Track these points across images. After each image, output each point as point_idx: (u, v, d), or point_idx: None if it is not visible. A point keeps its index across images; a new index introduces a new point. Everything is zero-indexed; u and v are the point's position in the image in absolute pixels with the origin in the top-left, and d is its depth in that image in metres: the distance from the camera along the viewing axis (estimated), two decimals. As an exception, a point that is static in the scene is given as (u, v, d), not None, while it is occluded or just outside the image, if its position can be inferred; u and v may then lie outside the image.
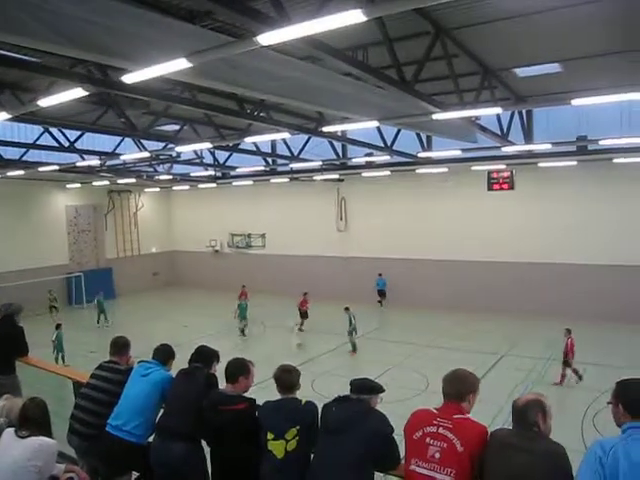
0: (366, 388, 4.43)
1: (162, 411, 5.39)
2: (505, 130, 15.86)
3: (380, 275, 27.13)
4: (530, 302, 23.77)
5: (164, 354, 5.74)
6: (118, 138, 18.63)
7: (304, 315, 22.81)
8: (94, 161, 19.57)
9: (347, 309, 19.91)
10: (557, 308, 22.83)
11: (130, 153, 18.38)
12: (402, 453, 4.15)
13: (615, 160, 20.33)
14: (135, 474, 5.65)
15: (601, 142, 16.40)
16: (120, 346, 6.00)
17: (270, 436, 4.46)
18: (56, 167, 19.84)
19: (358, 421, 4.16)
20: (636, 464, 3.10)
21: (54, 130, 16.58)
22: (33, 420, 4.38)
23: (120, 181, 27.68)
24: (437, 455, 3.71)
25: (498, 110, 12.02)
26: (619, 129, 16.55)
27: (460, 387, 4.01)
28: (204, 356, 5.51)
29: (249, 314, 22.98)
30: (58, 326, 19.00)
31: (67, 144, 17.12)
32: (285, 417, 4.49)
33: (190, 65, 6.38)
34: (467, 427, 3.79)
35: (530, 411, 3.68)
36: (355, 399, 4.34)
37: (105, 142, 19.69)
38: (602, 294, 22.36)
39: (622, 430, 3.35)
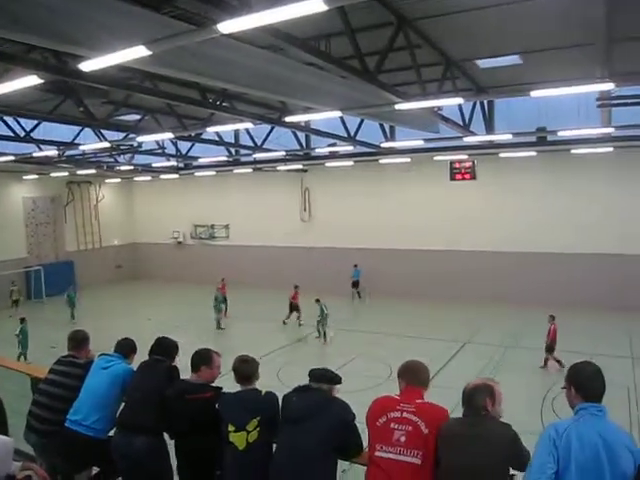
0: (326, 378, 4.45)
1: (123, 405, 5.30)
2: (467, 121, 16.02)
3: (355, 266, 27.06)
4: (493, 290, 24.22)
5: (126, 347, 5.64)
6: (77, 128, 18.16)
7: (296, 308, 22.45)
8: (52, 151, 19.10)
9: (318, 301, 20.02)
10: (520, 296, 23.35)
11: (89, 143, 17.98)
12: (364, 441, 4.19)
13: (573, 151, 20.78)
14: (96, 469, 5.55)
15: (560, 133, 16.73)
16: (79, 340, 5.85)
17: (231, 428, 4.44)
18: (12, 157, 19.29)
19: (320, 410, 4.18)
20: (587, 444, 3.24)
21: (9, 119, 16.07)
22: None
23: (79, 172, 27.10)
24: (402, 439, 3.77)
25: (460, 101, 12.14)
26: (577, 121, 16.89)
27: (419, 374, 4.11)
28: (164, 348, 5.44)
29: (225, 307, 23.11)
30: (22, 320, 18.50)
31: (23, 134, 16.62)
32: (245, 408, 4.47)
33: (149, 53, 6.25)
34: (430, 410, 3.88)
35: (478, 395, 3.80)
36: (316, 388, 4.36)
37: (63, 132, 19.14)
38: (562, 282, 22.96)
39: (574, 412, 3.49)
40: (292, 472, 4.07)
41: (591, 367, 3.61)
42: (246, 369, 4.68)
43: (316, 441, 4.07)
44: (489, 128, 17.14)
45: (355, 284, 27.25)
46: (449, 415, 3.91)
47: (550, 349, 15.89)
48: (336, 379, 4.52)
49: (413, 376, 4.09)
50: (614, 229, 22.27)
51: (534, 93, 10.20)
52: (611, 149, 20.02)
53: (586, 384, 3.50)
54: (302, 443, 4.09)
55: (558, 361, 15.63)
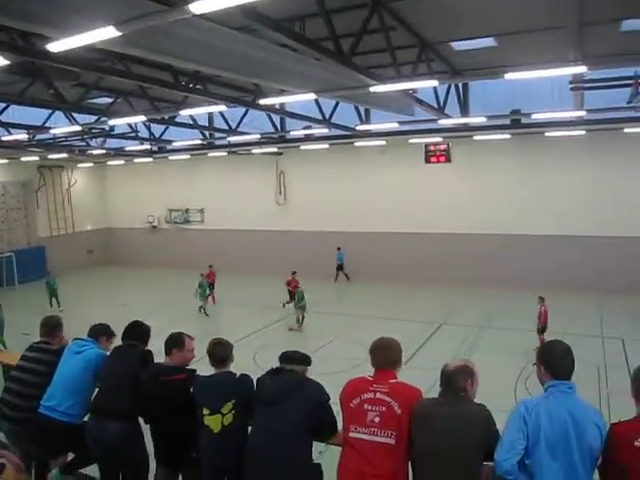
0: (298, 359, 4.48)
1: (97, 390, 5.26)
2: (442, 103, 16.06)
3: (339, 249, 27.03)
4: (470, 272, 24.49)
5: (100, 332, 5.60)
6: (47, 111, 17.79)
7: (293, 296, 21.40)
8: (22, 135, 18.68)
9: (297, 287, 20.09)
10: (496, 278, 23.66)
11: (60, 127, 17.62)
12: (339, 423, 4.22)
13: (547, 134, 20.98)
14: (71, 455, 5.52)
15: (533, 116, 16.86)
16: (52, 326, 5.77)
17: (206, 411, 4.46)
18: (-21, 142, 18.86)
19: (294, 391, 4.21)
20: (556, 420, 3.36)
21: (-24, 102, 15.69)
22: None
23: (51, 156, 26.55)
24: (376, 419, 3.82)
25: (435, 83, 12.16)
26: (550, 104, 17.05)
27: (392, 354, 4.13)
28: (137, 332, 5.41)
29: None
30: None
31: (-9, 117, 16.26)
32: (220, 391, 4.49)
33: (119, 34, 6.12)
34: (403, 390, 3.93)
35: (459, 376, 3.85)
36: (289, 370, 4.38)
37: (33, 115, 18.74)
38: (537, 264, 23.35)
39: (544, 389, 3.60)
40: (267, 454, 4.08)
41: (560, 346, 3.70)
42: (220, 352, 4.69)
43: (291, 423, 4.10)
44: (464, 111, 17.22)
45: (340, 267, 27.22)
46: (422, 395, 3.96)
47: (542, 330, 15.91)
48: (307, 360, 4.56)
49: (384, 357, 4.11)
50: (588, 212, 22.58)
51: (508, 75, 10.24)
52: (583, 132, 20.27)
53: (555, 362, 3.59)
54: (277, 425, 4.11)
55: (541, 341, 15.64)
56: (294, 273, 21.77)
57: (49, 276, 24.25)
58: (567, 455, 3.29)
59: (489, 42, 11.94)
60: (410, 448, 3.84)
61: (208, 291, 22.57)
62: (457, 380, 3.84)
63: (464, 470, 3.57)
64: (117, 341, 5.63)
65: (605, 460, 3.41)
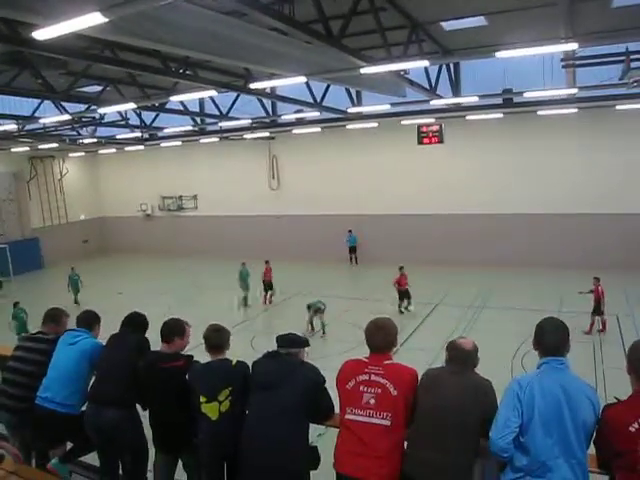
0: (294, 342, 4.50)
1: (94, 378, 5.26)
2: (433, 84, 15.99)
3: (350, 232, 26.87)
4: (464, 253, 24.60)
5: (89, 320, 5.56)
6: (36, 101, 17.63)
7: (269, 286, 20.94)
8: (11, 125, 18.53)
9: (309, 307, 17.39)
10: (490, 258, 23.78)
11: (50, 116, 17.47)
12: (335, 405, 4.24)
13: (539, 112, 20.94)
14: (70, 444, 5.54)
15: (525, 94, 16.82)
16: (52, 317, 5.74)
17: (203, 399, 4.46)
18: (-31, 133, 18.71)
19: (290, 374, 4.23)
20: (548, 394, 3.37)
21: (-37, 93, 15.50)
22: None
23: (41, 146, 26.37)
24: (372, 401, 3.84)
25: (425, 63, 12.09)
26: (542, 82, 17.01)
27: (387, 336, 4.13)
28: (136, 322, 5.40)
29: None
30: (15, 304, 17.38)
31: (-21, 108, 16.11)
32: (217, 378, 4.49)
33: (106, 20, 6.03)
34: (398, 371, 3.95)
35: (475, 355, 3.93)
36: (284, 353, 4.40)
37: (22, 105, 18.59)
38: (530, 242, 23.49)
39: (537, 366, 3.62)
40: (264, 437, 4.10)
41: (552, 322, 3.72)
42: (217, 338, 4.69)
43: (287, 405, 4.12)
44: (456, 91, 17.14)
45: (352, 249, 27.02)
46: (417, 375, 3.98)
47: (598, 312, 15.51)
48: (303, 341, 4.59)
49: (379, 338, 4.11)
50: (581, 190, 22.65)
51: (499, 54, 10.20)
52: (576, 110, 20.24)
53: (545, 339, 3.61)
54: (273, 408, 4.13)
55: (603, 324, 15.57)
56: (267, 262, 21.14)
57: (72, 271, 23.22)
58: (561, 430, 3.30)
59: (479, 21, 11.87)
60: (406, 429, 3.86)
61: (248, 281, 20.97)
62: (474, 359, 3.93)
63: (463, 434, 3.62)
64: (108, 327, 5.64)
65: (598, 442, 3.43)
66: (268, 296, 20.87)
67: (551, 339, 3.60)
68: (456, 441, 3.62)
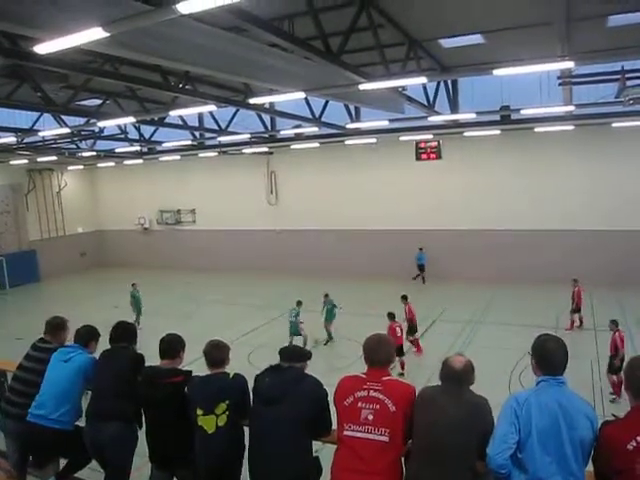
0: (297, 355, 4.50)
1: (90, 395, 5.25)
2: (431, 100, 16.10)
3: (421, 250, 25.59)
4: (460, 269, 24.60)
5: (85, 336, 5.54)
6: (36, 114, 17.70)
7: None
8: (10, 138, 18.57)
9: (327, 296, 17.99)
10: (487, 274, 23.78)
11: (49, 129, 17.52)
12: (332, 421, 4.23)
13: (537, 129, 21.07)
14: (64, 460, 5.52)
15: (523, 111, 16.94)
16: (54, 326, 5.74)
17: (199, 412, 4.45)
18: (-32, 146, 18.74)
19: (294, 388, 4.21)
20: (545, 411, 3.37)
21: (-37, 106, 15.54)
22: None
23: (40, 159, 26.41)
24: (370, 417, 3.82)
25: (424, 80, 12.17)
26: (539, 99, 17.14)
27: (386, 352, 4.14)
28: (125, 333, 5.42)
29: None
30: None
31: (-21, 121, 16.15)
32: (214, 391, 4.48)
33: (107, 35, 6.09)
34: (396, 387, 3.94)
35: (471, 374, 3.89)
36: (287, 367, 4.38)
37: (22, 118, 18.66)
38: (528, 258, 23.47)
39: (536, 383, 3.61)
40: (269, 450, 4.11)
41: (552, 342, 3.67)
42: (218, 354, 4.68)
43: (291, 419, 4.11)
44: (453, 107, 17.27)
45: (421, 268, 25.69)
46: (415, 391, 3.96)
47: (576, 310, 17.18)
48: (306, 354, 4.60)
49: (379, 354, 4.10)
50: (577, 206, 22.73)
51: (497, 71, 10.29)
52: (572, 127, 20.38)
53: (546, 359, 3.60)
54: (277, 421, 4.12)
55: (580, 320, 17.25)
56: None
57: (134, 288, 20.85)
58: (559, 447, 3.29)
59: (477, 39, 11.99)
60: (404, 445, 3.85)
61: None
62: (470, 377, 3.89)
63: (460, 453, 3.59)
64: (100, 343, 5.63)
65: (596, 459, 3.41)
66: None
67: (554, 359, 3.58)
68: (453, 460, 3.59)
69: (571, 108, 16.87)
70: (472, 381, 3.89)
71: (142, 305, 20.41)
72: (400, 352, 14.09)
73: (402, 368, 13.94)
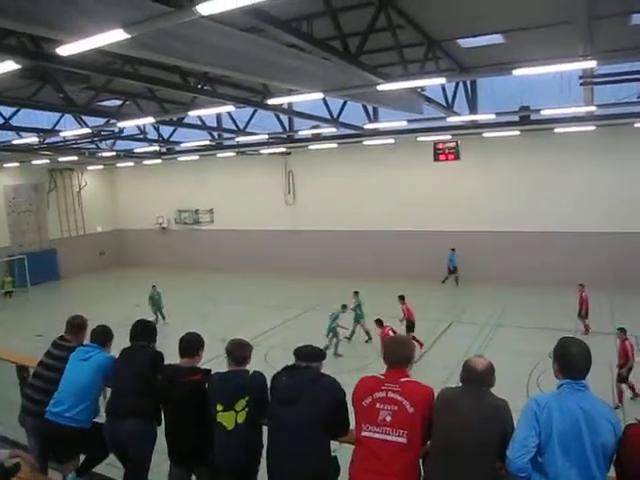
0: (313, 355, 4.50)
1: (110, 393, 5.32)
2: (450, 101, 16.02)
3: (453, 250, 25.15)
4: (478, 270, 24.39)
5: (102, 336, 5.61)
6: (57, 114, 17.92)
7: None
8: (32, 139, 18.82)
9: (357, 293, 18.10)
10: (504, 275, 23.58)
11: (70, 129, 17.73)
12: (351, 421, 4.23)
13: (556, 130, 20.85)
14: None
15: (543, 112, 16.78)
16: (75, 326, 5.82)
17: (219, 407, 4.47)
18: (-9, 145, 19.02)
19: (311, 388, 4.21)
20: (567, 415, 3.31)
21: (-13, 106, 15.82)
22: None
23: (61, 159, 26.71)
24: (388, 418, 3.81)
25: (442, 80, 12.12)
26: (559, 99, 16.96)
27: (405, 352, 4.12)
28: (145, 331, 5.48)
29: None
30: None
31: (2, 121, 16.38)
32: (234, 388, 4.51)
33: (128, 36, 6.16)
34: (415, 389, 3.91)
35: (492, 375, 3.87)
36: (304, 367, 4.39)
37: (44, 118, 18.88)
38: (547, 261, 23.22)
39: (557, 386, 3.54)
40: (288, 450, 4.12)
41: (576, 346, 3.59)
42: (240, 352, 4.72)
43: (309, 419, 4.11)
44: (472, 108, 17.15)
45: (453, 269, 25.16)
46: (434, 393, 3.95)
47: (583, 315, 16.96)
48: (322, 354, 4.61)
49: (399, 355, 4.09)
50: (598, 208, 22.44)
51: (517, 72, 10.20)
52: (593, 128, 20.15)
53: (570, 363, 3.52)
54: (296, 422, 4.12)
55: (587, 327, 16.75)
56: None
57: (154, 289, 21.59)
58: (580, 452, 3.24)
59: (497, 38, 11.88)
60: (422, 447, 3.83)
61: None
62: (491, 379, 3.87)
63: (480, 455, 3.56)
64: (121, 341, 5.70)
65: (619, 462, 3.35)
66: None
67: (577, 363, 3.51)
68: (472, 462, 3.56)
69: (593, 108, 16.67)
70: (492, 383, 3.87)
71: (162, 305, 20.91)
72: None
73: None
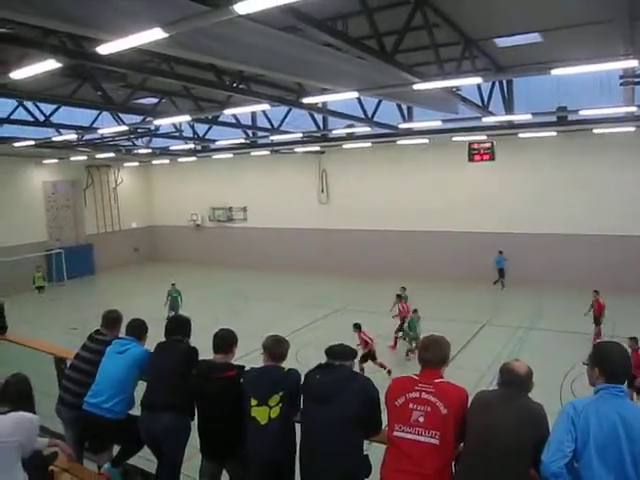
0: (346, 354, 4.51)
1: (145, 387, 5.41)
2: (486, 101, 15.84)
3: (500, 253, 24.45)
4: (512, 272, 24.04)
5: (138, 329, 5.74)
6: (95, 112, 18.26)
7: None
8: (71, 135, 19.20)
9: (415, 311, 16.86)
10: (538, 277, 23.21)
11: (108, 127, 18.05)
12: (384, 420, 4.22)
13: (595, 130, 20.41)
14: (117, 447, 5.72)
15: (581, 112, 16.46)
16: (110, 320, 5.96)
17: (254, 402, 4.52)
18: (32, 142, 19.43)
19: (345, 386, 4.23)
20: (604, 421, 3.24)
21: (28, 104, 16.15)
22: (13, 395, 4.33)
23: (98, 156, 27.27)
24: (421, 419, 3.80)
25: (478, 80, 11.98)
26: (599, 99, 16.61)
27: (440, 352, 4.10)
28: (180, 327, 5.56)
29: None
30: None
31: (42, 118, 16.74)
32: (269, 383, 4.55)
33: (166, 35, 6.24)
34: (449, 390, 3.89)
35: (531, 380, 3.83)
36: (338, 365, 4.40)
37: (82, 116, 19.23)
38: (583, 262, 22.73)
39: (595, 391, 3.47)
40: (321, 449, 4.13)
41: (617, 349, 3.55)
42: (279, 349, 4.78)
43: (343, 417, 4.12)
44: (508, 108, 16.92)
45: (501, 272, 24.37)
46: (468, 395, 3.92)
47: (598, 321, 16.51)
48: (354, 353, 4.63)
49: (434, 355, 4.08)
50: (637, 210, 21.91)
51: (555, 71, 10.03)
52: (633, 129, 19.68)
53: (611, 367, 3.46)
54: (329, 420, 4.14)
55: (597, 334, 16.20)
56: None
57: (173, 287, 20.98)
58: (618, 459, 3.16)
59: (534, 37, 11.68)
60: (454, 449, 3.80)
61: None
62: (530, 384, 3.84)
63: (515, 459, 3.51)
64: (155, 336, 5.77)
65: None
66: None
67: (618, 368, 3.45)
68: (506, 465, 3.51)
69: (633, 109, 16.29)
70: (530, 388, 3.83)
71: (180, 304, 20.34)
72: (372, 357, 14.35)
73: (362, 371, 12.89)
